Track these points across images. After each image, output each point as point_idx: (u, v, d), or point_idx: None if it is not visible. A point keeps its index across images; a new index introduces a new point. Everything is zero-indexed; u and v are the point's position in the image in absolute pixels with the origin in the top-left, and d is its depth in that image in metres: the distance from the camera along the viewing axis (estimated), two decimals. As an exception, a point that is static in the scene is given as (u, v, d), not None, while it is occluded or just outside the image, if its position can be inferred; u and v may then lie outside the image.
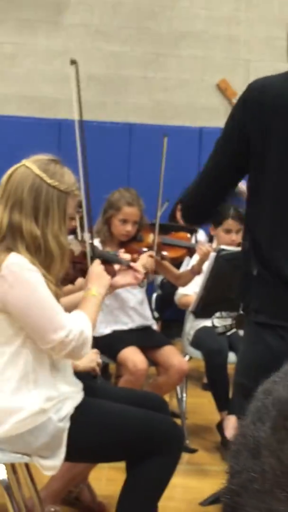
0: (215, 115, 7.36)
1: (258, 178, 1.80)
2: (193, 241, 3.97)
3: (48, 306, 2.07)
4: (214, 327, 3.76)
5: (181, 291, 3.85)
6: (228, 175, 1.89)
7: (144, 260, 3.32)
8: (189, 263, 3.97)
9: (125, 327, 3.55)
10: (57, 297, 2.15)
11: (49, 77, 7.41)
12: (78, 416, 2.17)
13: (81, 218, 2.95)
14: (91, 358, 2.46)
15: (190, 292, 3.75)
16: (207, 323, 3.85)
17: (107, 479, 3.10)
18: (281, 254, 1.74)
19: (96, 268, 2.34)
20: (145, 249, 3.52)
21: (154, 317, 3.88)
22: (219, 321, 3.81)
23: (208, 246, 3.69)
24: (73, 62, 2.45)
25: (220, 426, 3.64)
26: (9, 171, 2.17)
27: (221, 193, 1.94)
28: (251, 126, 1.78)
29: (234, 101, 6.93)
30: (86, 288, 2.29)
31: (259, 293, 1.77)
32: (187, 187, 2.02)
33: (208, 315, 3.54)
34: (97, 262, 2.37)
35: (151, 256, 3.41)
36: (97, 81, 7.40)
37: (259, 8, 7.33)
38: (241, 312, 1.89)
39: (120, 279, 2.54)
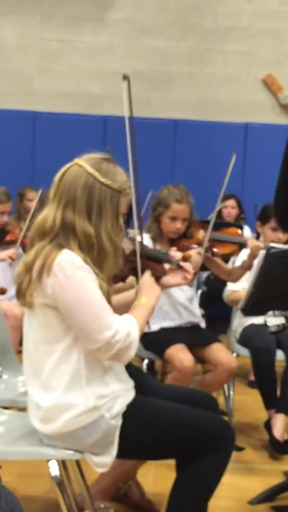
0: (260, 111, 7.31)
1: None
2: (241, 237, 3.93)
3: (96, 305, 2.07)
4: (266, 326, 3.74)
5: (229, 287, 3.82)
6: None
7: (192, 256, 3.31)
8: (235, 260, 3.94)
9: (173, 324, 3.54)
10: (109, 295, 2.16)
11: (95, 73, 7.45)
12: (130, 414, 2.17)
13: (125, 215, 2.95)
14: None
15: (239, 287, 3.73)
16: (255, 320, 3.83)
17: (155, 476, 3.12)
18: None
19: (147, 279, 2.34)
20: (195, 246, 3.50)
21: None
22: (271, 320, 3.79)
23: (261, 242, 3.65)
24: (125, 77, 2.40)
25: (267, 425, 3.62)
26: (62, 170, 2.18)
27: None
28: None
29: (280, 96, 6.85)
30: (137, 298, 2.30)
31: None
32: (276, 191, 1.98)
33: (257, 313, 3.51)
34: (147, 274, 2.36)
35: (198, 253, 3.39)
36: (142, 77, 7.41)
37: (305, 1, 7.27)
38: None
39: (170, 279, 2.52)
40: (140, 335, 2.17)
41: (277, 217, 2.08)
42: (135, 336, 2.13)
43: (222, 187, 3.70)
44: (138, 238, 2.43)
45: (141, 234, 2.45)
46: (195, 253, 3.37)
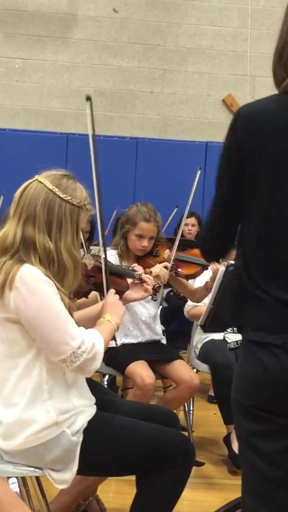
0: (220, 130, 7.40)
1: (251, 201, 1.81)
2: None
3: (60, 317, 2.08)
4: (225, 342, 3.78)
5: (190, 302, 3.86)
6: (235, 205, 1.89)
7: (158, 270, 3.34)
8: (196, 280, 3.98)
9: (134, 341, 3.56)
10: (70, 309, 2.16)
11: (57, 91, 7.48)
12: (91, 430, 2.17)
13: (86, 233, 2.98)
14: None
15: (199, 303, 3.76)
16: (215, 336, 3.87)
17: (115, 492, 3.11)
18: (269, 275, 1.76)
19: (111, 298, 2.38)
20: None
21: (160, 330, 3.89)
22: (230, 336, 3.83)
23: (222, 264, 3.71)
24: (88, 98, 2.44)
25: (227, 440, 3.65)
26: (22, 186, 2.20)
27: (233, 225, 1.94)
28: (243, 151, 1.78)
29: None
30: (102, 316, 2.32)
31: (253, 312, 1.78)
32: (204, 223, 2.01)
33: (216, 329, 3.55)
34: (111, 292, 2.40)
35: (165, 267, 3.42)
36: (104, 96, 7.47)
37: (264, 25, 7.42)
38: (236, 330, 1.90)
39: (133, 293, 2.58)
40: (104, 349, 2.18)
41: (206, 252, 2.11)
42: (100, 347, 2.14)
43: (188, 200, 3.77)
44: (103, 254, 2.46)
45: (105, 250, 2.47)
46: (160, 268, 3.40)
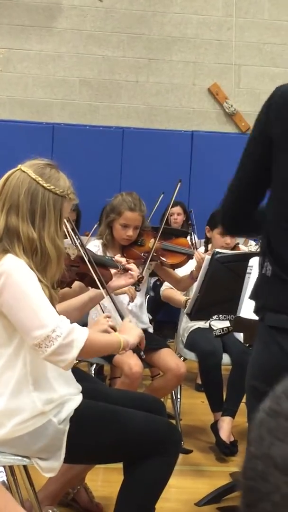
0: (206, 119, 7.43)
1: (277, 179, 1.83)
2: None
3: (36, 301, 2.06)
4: (211, 329, 3.81)
5: (166, 283, 3.88)
6: (259, 181, 1.91)
7: (125, 289, 3.33)
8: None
9: (121, 330, 3.56)
10: (53, 300, 2.15)
11: (42, 81, 7.44)
12: (78, 418, 2.18)
13: (74, 221, 2.99)
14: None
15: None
16: (201, 324, 3.89)
17: (103, 480, 3.13)
18: None
19: (127, 324, 2.42)
20: (145, 254, 3.54)
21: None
22: (216, 323, 3.85)
23: (208, 253, 3.72)
24: None
25: (214, 427, 3.66)
26: (5, 176, 2.19)
27: (255, 200, 1.95)
28: (274, 128, 1.80)
29: (225, 105, 6.92)
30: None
31: (274, 293, 1.79)
32: (224, 198, 2.02)
33: (203, 317, 3.57)
34: (126, 319, 2.46)
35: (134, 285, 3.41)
36: (89, 86, 7.45)
37: (249, 13, 7.40)
38: (256, 314, 1.90)
39: (117, 281, 2.59)
40: (91, 352, 2.17)
41: (224, 224, 2.14)
42: (80, 336, 2.07)
43: (173, 195, 3.87)
44: (79, 243, 2.47)
45: (82, 244, 2.48)
46: (127, 289, 3.36)
